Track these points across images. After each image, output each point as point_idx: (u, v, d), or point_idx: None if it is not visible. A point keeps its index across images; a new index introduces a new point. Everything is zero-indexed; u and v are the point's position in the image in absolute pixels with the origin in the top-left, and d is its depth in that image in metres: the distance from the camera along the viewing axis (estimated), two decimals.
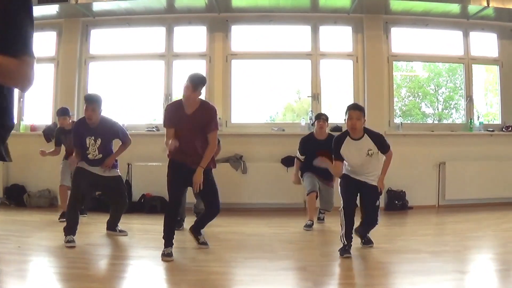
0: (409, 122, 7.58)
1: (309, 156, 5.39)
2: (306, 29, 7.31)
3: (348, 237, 4.03)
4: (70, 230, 4.37)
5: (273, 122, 7.48)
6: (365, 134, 4.11)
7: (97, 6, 6.98)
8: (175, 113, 4.07)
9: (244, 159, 6.95)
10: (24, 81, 1.46)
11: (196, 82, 3.94)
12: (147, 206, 6.62)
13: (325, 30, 7.32)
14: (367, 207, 4.20)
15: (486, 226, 5.65)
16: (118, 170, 4.96)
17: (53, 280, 3.42)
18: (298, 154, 5.71)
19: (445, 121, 7.93)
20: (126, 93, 7.39)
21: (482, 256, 4.40)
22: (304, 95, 7.54)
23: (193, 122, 4.00)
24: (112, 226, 4.95)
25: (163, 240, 3.97)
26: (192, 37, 7.33)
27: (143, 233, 5.33)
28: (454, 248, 4.42)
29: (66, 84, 7.20)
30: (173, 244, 3.98)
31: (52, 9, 7.06)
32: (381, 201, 6.30)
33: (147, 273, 3.68)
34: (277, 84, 7.61)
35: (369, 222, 4.22)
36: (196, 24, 7.31)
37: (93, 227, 5.38)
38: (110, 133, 4.75)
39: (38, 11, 7.08)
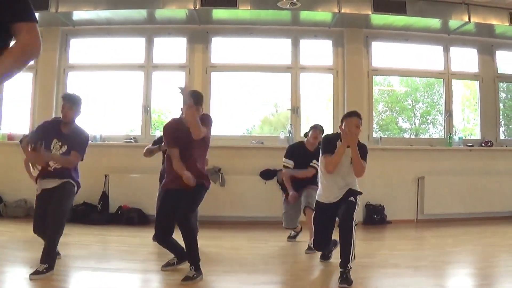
0: (387, 136, 7.59)
1: (297, 165, 5.28)
2: (287, 42, 7.31)
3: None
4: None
5: (251, 135, 7.45)
6: (360, 148, 3.92)
7: (77, 15, 6.94)
8: (176, 130, 3.96)
9: (222, 171, 6.90)
10: (38, 43, 1.80)
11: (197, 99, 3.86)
12: (124, 217, 6.56)
13: (305, 44, 7.32)
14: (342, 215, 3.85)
15: (465, 241, 5.67)
16: (73, 182, 4.19)
17: None
18: (285, 161, 5.38)
19: (423, 136, 7.95)
20: (104, 103, 7.33)
21: (462, 271, 4.39)
22: (282, 108, 7.54)
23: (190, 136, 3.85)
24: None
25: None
26: (172, 49, 7.30)
27: (120, 245, 5.29)
28: (434, 263, 4.41)
29: (44, 93, 7.13)
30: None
31: None
32: (359, 215, 6.36)
33: (125, 285, 3.65)
34: (255, 97, 7.61)
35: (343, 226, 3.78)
36: (176, 35, 7.30)
37: (71, 238, 5.30)
38: (75, 142, 4.20)
39: None
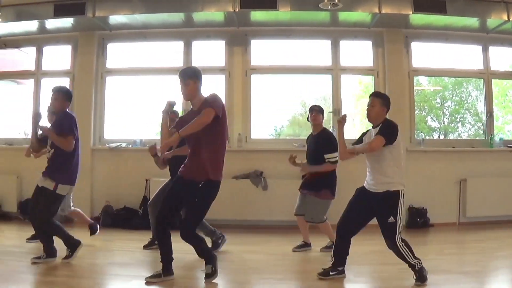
0: (430, 138, 7.50)
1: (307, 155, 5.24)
2: (326, 44, 7.20)
3: (341, 263, 3.93)
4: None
5: (294, 138, 7.36)
6: (381, 124, 3.82)
7: (113, 20, 6.87)
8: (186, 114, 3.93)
9: (264, 175, 6.83)
10: None
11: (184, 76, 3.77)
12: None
13: (345, 45, 7.21)
14: (380, 226, 3.79)
15: (510, 244, 5.56)
16: (54, 184, 4.34)
17: None
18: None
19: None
20: (143, 107, 7.26)
21: None
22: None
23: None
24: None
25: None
26: (211, 52, 7.21)
27: None
28: (484, 268, 4.34)
29: (82, 98, 7.07)
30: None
31: (67, 22, 6.95)
32: (403, 219, 6.27)
33: None
34: (294, 99, 7.54)
35: (388, 245, 3.77)
36: (215, 38, 7.21)
37: (113, 244, 5.26)
38: (57, 125, 4.47)
39: (53, 24, 6.99)
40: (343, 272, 3.93)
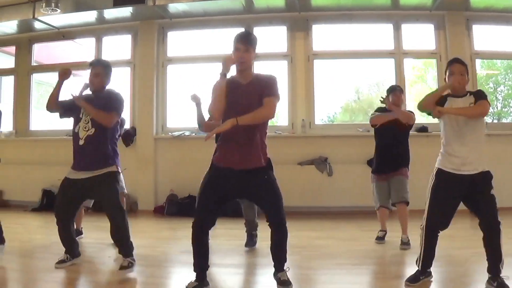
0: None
1: (381, 137, 4.79)
2: (388, 27, 7.13)
3: (426, 263, 3.30)
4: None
5: (357, 123, 7.28)
6: (468, 93, 3.32)
7: (173, 8, 6.83)
8: (229, 85, 3.15)
9: (329, 161, 6.77)
10: None
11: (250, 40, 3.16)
12: (231, 209, 6.42)
13: (407, 28, 7.13)
14: (483, 217, 3.16)
15: None
16: (116, 165, 3.83)
17: None
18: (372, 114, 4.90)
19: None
20: (206, 95, 7.21)
21: None
22: (363, 95, 7.43)
23: (249, 95, 3.10)
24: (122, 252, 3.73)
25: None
26: (272, 37, 7.15)
27: (232, 238, 5.00)
28: None
29: (143, 87, 7.07)
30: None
31: (126, 12, 6.92)
32: None
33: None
34: (348, 84, 7.47)
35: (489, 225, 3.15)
36: (276, 24, 7.15)
37: (180, 232, 5.09)
38: (103, 103, 3.70)
39: (112, 14, 6.96)
40: (430, 273, 3.36)
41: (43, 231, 5.87)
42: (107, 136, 3.79)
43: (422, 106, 3.39)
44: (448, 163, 3.26)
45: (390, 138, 4.71)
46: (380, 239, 4.73)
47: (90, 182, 3.65)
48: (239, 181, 3.08)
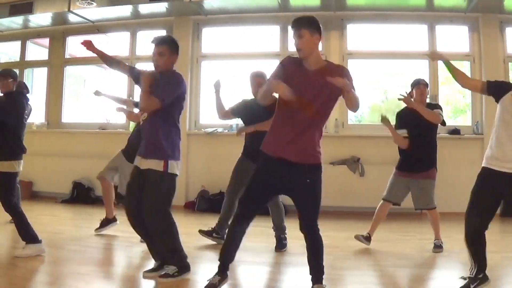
0: None
1: (410, 134, 4.53)
2: (423, 28, 7.12)
3: (481, 269, 3.08)
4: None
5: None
6: None
7: (208, 4, 6.85)
8: (292, 69, 2.97)
9: (361, 161, 6.79)
10: None
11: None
12: (266, 207, 6.47)
13: (441, 29, 7.13)
14: None
15: None
16: (163, 162, 3.36)
17: None
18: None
19: None
20: (240, 92, 7.24)
21: None
22: (392, 95, 7.41)
23: (317, 83, 2.89)
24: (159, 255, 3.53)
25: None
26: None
27: (268, 236, 4.79)
28: None
29: None
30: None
31: (161, 7, 6.95)
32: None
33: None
34: (376, 85, 7.47)
35: None
36: None
37: None
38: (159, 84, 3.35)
39: (148, 8, 6.99)
40: (487, 277, 3.12)
41: (74, 223, 5.97)
42: (159, 122, 3.38)
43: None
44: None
45: (416, 138, 4.50)
46: (365, 238, 4.61)
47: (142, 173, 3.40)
48: (290, 174, 2.94)
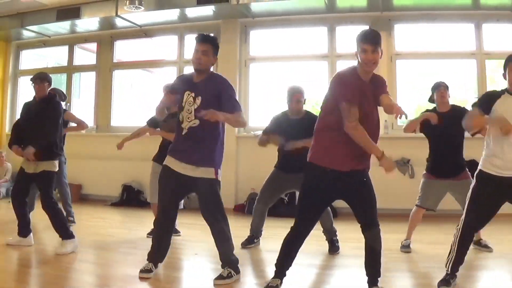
0: None
1: (434, 140, 4.56)
2: (470, 27, 7.12)
3: (455, 267, 3.26)
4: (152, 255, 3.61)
5: None
6: None
7: (256, 7, 6.89)
8: (355, 83, 3.00)
9: (411, 163, 6.81)
10: None
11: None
12: None
13: (488, 28, 7.12)
14: None
15: None
16: (216, 170, 3.45)
17: None
18: None
19: None
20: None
21: None
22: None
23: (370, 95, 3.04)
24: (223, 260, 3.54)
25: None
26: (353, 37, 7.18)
27: (319, 239, 4.69)
28: None
29: None
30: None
31: (208, 10, 7.00)
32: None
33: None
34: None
35: None
36: (358, 23, 7.16)
37: (265, 231, 4.97)
38: (214, 90, 3.33)
39: (195, 12, 7.05)
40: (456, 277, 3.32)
41: (124, 226, 6.04)
42: (215, 130, 3.42)
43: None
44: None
45: (444, 143, 4.45)
46: (405, 247, 4.62)
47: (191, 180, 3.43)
48: (344, 182, 3.02)
